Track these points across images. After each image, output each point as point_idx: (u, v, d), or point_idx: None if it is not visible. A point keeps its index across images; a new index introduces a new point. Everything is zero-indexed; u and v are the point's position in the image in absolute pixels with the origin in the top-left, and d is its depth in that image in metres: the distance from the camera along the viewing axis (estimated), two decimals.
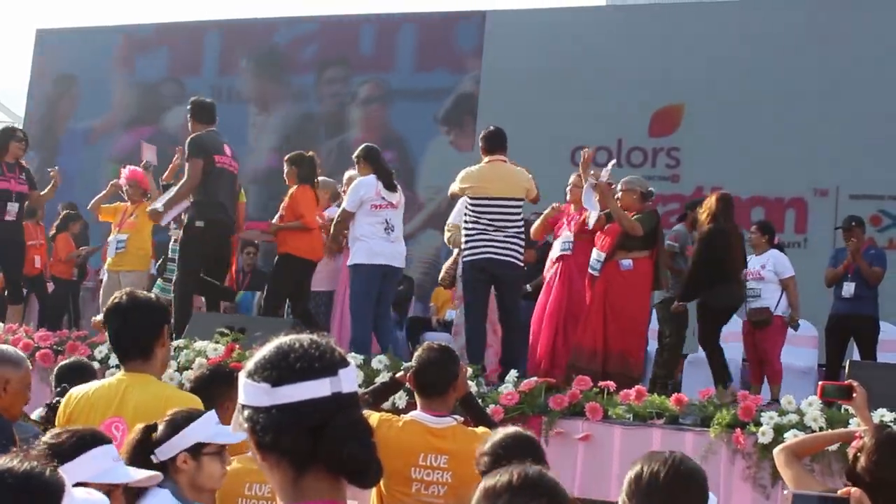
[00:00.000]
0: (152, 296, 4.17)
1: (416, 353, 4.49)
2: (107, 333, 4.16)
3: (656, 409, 6.78)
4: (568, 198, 8.97)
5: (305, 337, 1.99)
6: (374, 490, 4.28)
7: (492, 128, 8.58)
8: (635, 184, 8.71)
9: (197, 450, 3.56)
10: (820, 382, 4.60)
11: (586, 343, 8.18)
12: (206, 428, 3.58)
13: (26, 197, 10.12)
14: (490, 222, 8.21)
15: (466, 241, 8.32)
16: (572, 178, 8.95)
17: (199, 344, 8.04)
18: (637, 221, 8.33)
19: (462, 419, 4.50)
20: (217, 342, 8.04)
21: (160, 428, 3.54)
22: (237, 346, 7.93)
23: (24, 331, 9.05)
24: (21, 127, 12.29)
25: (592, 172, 8.52)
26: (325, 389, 1.91)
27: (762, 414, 6.43)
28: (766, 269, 9.08)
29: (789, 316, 9.01)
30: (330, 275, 9.70)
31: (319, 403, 1.90)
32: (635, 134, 13.33)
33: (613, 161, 9.64)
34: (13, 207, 9.93)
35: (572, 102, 13.43)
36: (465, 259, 8.40)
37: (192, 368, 7.68)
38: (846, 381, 4.52)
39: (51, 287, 12.14)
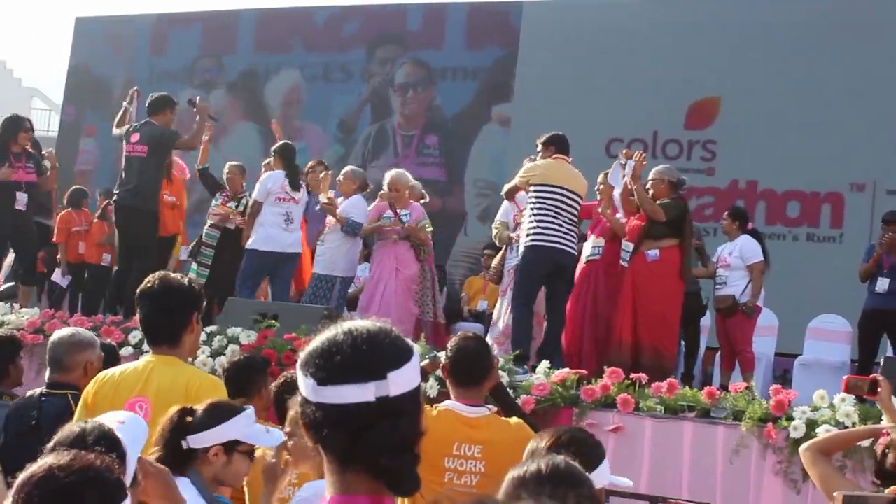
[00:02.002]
0: (185, 281, 4.16)
1: (450, 343, 4.49)
2: (138, 317, 4.18)
3: (688, 403, 6.76)
4: (598, 197, 8.97)
5: (361, 331, 1.93)
6: None
7: (560, 133, 8.70)
8: (665, 173, 8.68)
9: (231, 445, 3.56)
10: (844, 377, 4.58)
11: (616, 335, 8.18)
12: (246, 426, 3.57)
13: (35, 185, 10.21)
14: (556, 210, 8.27)
15: (532, 228, 8.31)
16: (601, 178, 8.93)
17: (233, 330, 8.09)
18: (661, 207, 8.31)
19: (496, 409, 4.52)
20: (251, 329, 8.09)
21: (198, 414, 3.54)
22: (270, 332, 7.98)
23: (59, 316, 9.15)
24: (59, 117, 12.39)
25: (624, 152, 8.62)
26: (370, 395, 1.87)
27: (794, 409, 6.40)
28: (733, 256, 9.04)
29: (748, 302, 8.93)
30: (348, 261, 9.77)
31: (362, 408, 1.87)
32: (671, 126, 13.29)
33: (641, 150, 9.61)
34: (23, 197, 10.02)
35: (608, 94, 13.41)
36: (529, 244, 8.32)
37: (224, 354, 7.74)
38: (871, 376, 4.50)
39: (67, 280, 12.31)
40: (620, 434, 6.77)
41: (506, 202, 9.47)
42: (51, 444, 2.87)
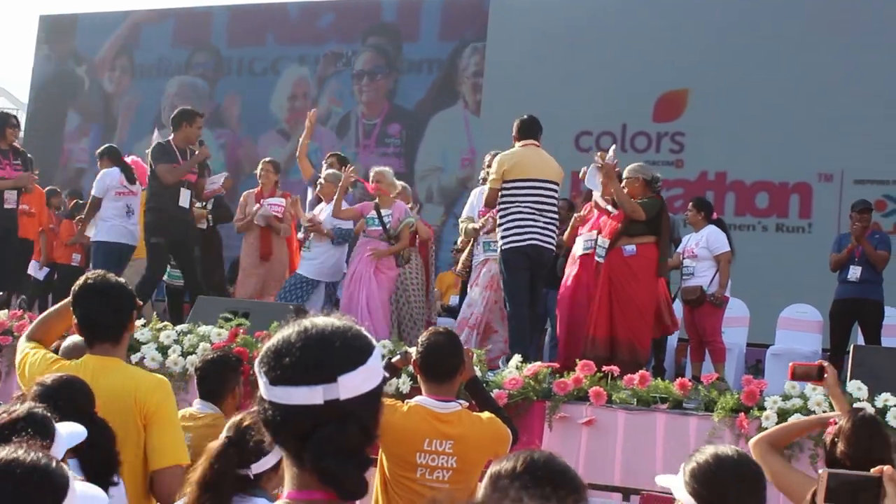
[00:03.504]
0: (122, 280, 4.08)
1: (421, 338, 4.46)
2: (74, 316, 4.03)
3: (660, 394, 6.77)
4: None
5: (314, 331, 1.91)
6: (378, 475, 4.28)
7: (526, 116, 8.57)
8: (639, 171, 8.66)
9: None
10: (790, 363, 4.58)
11: (592, 330, 8.17)
12: None
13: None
14: (531, 205, 8.17)
15: (507, 227, 8.21)
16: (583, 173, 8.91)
17: (203, 328, 8.04)
18: (640, 206, 8.31)
19: (467, 404, 4.50)
20: (221, 327, 8.04)
21: (242, 442, 3.39)
22: (241, 330, 7.93)
23: (28, 317, 9.06)
24: (25, 113, 12.34)
25: (599, 154, 8.55)
26: (318, 398, 1.84)
27: (766, 398, 6.43)
28: (700, 247, 9.07)
29: (715, 293, 8.96)
30: (336, 267, 9.77)
31: (309, 410, 1.85)
32: (639, 119, 13.33)
33: (615, 146, 9.61)
34: (11, 195, 9.97)
35: (576, 87, 13.43)
36: (507, 245, 8.21)
37: (195, 353, 7.69)
38: (818, 362, 4.50)
39: (44, 273, 12.23)
40: (593, 427, 6.77)
41: (471, 197, 9.42)
42: None
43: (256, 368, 1.93)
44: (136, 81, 16.81)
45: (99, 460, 3.45)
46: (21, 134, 11.48)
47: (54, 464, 2.13)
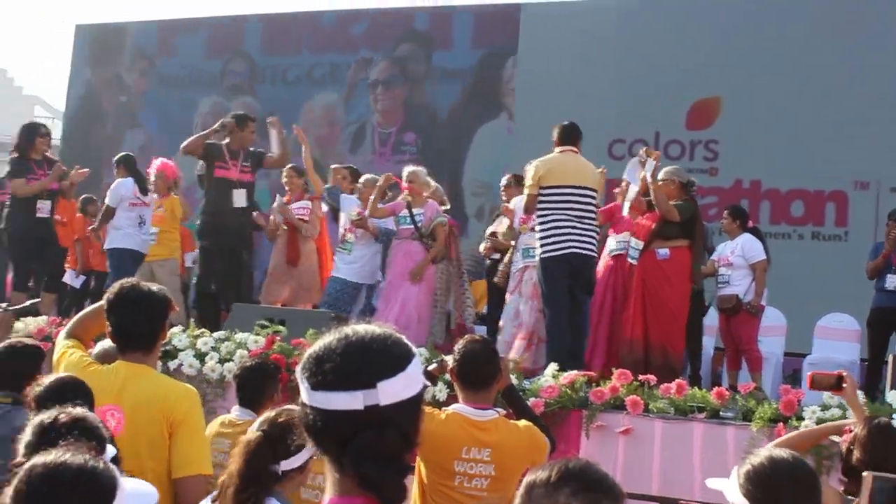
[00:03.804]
0: (156, 287, 4.08)
1: (457, 346, 4.47)
2: (108, 323, 4.03)
3: (697, 404, 6.74)
4: (618, 199, 8.94)
5: (355, 337, 1.93)
6: (416, 482, 4.29)
7: (566, 122, 8.47)
8: (674, 174, 8.65)
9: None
10: (809, 373, 4.54)
11: (626, 333, 8.16)
12: None
13: (57, 193, 10.26)
14: (569, 213, 8.06)
15: (546, 235, 8.12)
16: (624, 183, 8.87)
17: (240, 336, 8.08)
18: (675, 208, 8.29)
19: (504, 412, 4.50)
20: (257, 334, 8.08)
21: (277, 437, 3.48)
22: (277, 338, 7.96)
23: (66, 323, 9.15)
24: (62, 122, 12.46)
25: (644, 149, 8.54)
26: (358, 403, 1.86)
27: (805, 408, 6.38)
28: (735, 255, 9.02)
29: (752, 301, 8.91)
30: (375, 268, 9.80)
31: (350, 416, 1.87)
32: (672, 126, 13.26)
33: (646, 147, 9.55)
34: (44, 205, 10.08)
35: (609, 95, 13.39)
36: (546, 254, 8.12)
37: (233, 360, 7.73)
38: (837, 371, 4.47)
39: (80, 281, 12.34)
40: (630, 436, 6.74)
41: (512, 202, 9.41)
42: (29, 430, 2.88)
43: (298, 374, 1.96)
44: (167, 90, 16.84)
45: None
46: (57, 143, 11.64)
47: (102, 465, 2.17)
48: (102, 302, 4.10)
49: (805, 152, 12.39)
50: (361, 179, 10.12)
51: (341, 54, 15.70)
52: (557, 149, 8.35)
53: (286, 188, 10.65)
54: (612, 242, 8.72)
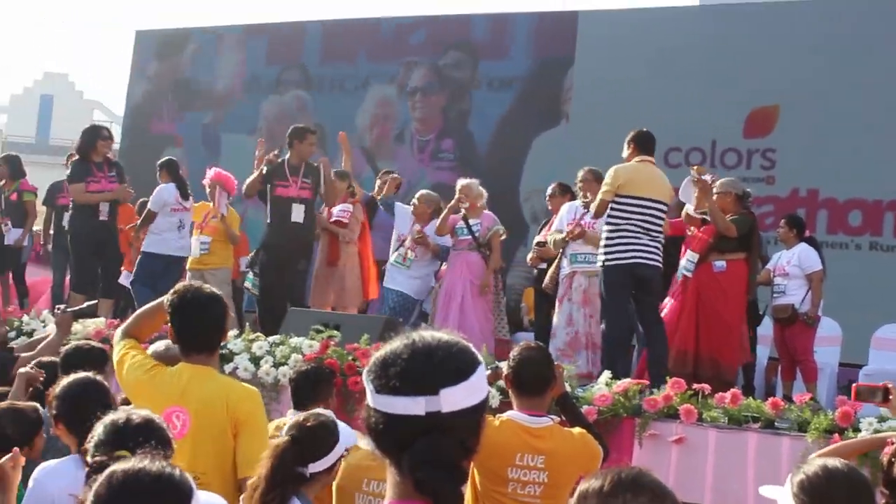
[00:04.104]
0: (217, 291, 4.18)
1: (513, 353, 4.49)
2: (171, 325, 4.11)
3: (752, 413, 6.69)
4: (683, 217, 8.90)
5: (422, 344, 1.96)
6: (469, 489, 4.31)
7: (643, 129, 8.34)
8: (730, 186, 8.60)
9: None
10: (854, 384, 4.50)
11: (677, 345, 8.11)
12: (350, 434, 3.63)
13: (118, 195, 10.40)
14: (639, 225, 7.93)
15: (612, 243, 8.00)
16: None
17: (295, 340, 8.15)
18: (732, 223, 8.24)
19: (558, 419, 4.51)
20: (312, 339, 8.14)
21: (304, 440, 3.58)
22: (332, 342, 8.02)
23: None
24: (121, 128, 12.62)
25: (696, 168, 8.48)
26: (419, 409, 1.89)
27: (861, 420, 6.32)
28: (791, 265, 8.95)
29: (808, 312, 8.81)
30: (428, 285, 9.92)
31: (411, 420, 1.90)
32: (730, 135, 13.16)
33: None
34: (104, 207, 10.20)
35: (665, 103, 13.32)
36: (609, 263, 8.01)
37: (287, 364, 7.80)
38: (883, 383, 4.42)
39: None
40: (683, 445, 6.71)
41: (561, 211, 9.40)
42: (101, 429, 2.97)
43: (364, 377, 1.99)
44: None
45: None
46: (116, 146, 11.79)
47: (178, 473, 2.23)
48: (157, 301, 4.19)
49: (864, 161, 12.25)
50: (417, 196, 10.18)
51: (398, 63, 15.75)
52: (637, 158, 8.14)
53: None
54: (683, 262, 8.59)
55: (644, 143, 8.21)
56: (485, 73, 15.16)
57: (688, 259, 8.34)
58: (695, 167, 8.48)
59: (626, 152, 8.23)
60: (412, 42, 15.80)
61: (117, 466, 2.26)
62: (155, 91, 17.57)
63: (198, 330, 4.04)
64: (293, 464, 3.51)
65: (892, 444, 4.02)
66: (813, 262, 8.96)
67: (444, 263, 9.84)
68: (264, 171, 9.92)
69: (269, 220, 10.06)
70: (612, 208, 8.04)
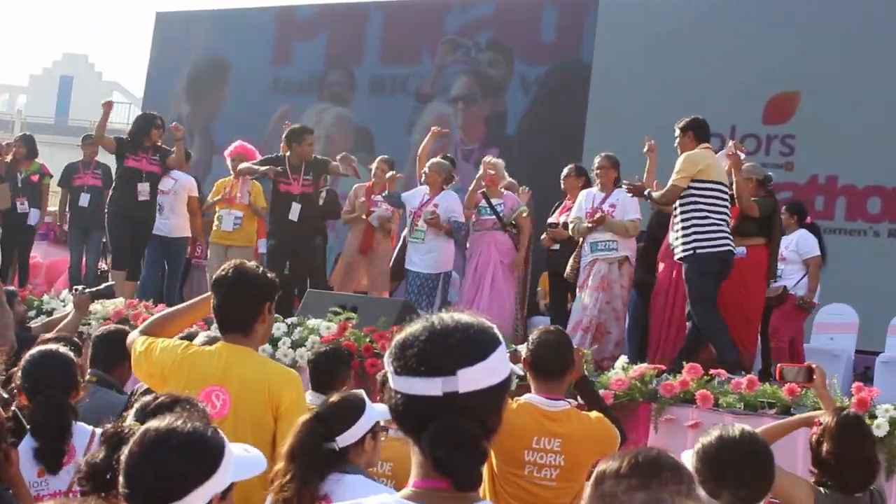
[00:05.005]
0: (260, 270, 4.10)
1: (532, 336, 4.50)
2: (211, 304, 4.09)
3: (768, 399, 6.69)
4: None
5: (440, 325, 1.98)
6: (486, 470, 4.33)
7: (699, 117, 8.17)
8: (752, 171, 8.56)
9: (373, 430, 3.65)
10: (778, 365, 4.52)
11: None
12: (378, 407, 3.62)
13: (158, 177, 10.43)
14: (723, 211, 7.80)
15: (702, 230, 7.76)
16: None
17: (313, 322, 8.18)
18: (756, 203, 8.21)
19: (576, 403, 4.53)
20: (330, 321, 8.17)
21: (328, 415, 3.57)
22: (350, 324, 8.05)
23: (143, 306, 9.31)
24: (140, 110, 12.67)
25: (733, 143, 8.46)
26: (436, 389, 1.91)
27: (877, 407, 6.32)
28: (790, 250, 8.94)
29: (804, 296, 8.80)
30: (448, 257, 9.83)
31: (429, 401, 1.92)
32: (749, 121, 13.13)
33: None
34: (144, 187, 10.22)
35: (684, 89, 13.29)
36: (705, 250, 7.73)
37: (305, 346, 7.84)
38: (806, 363, 4.44)
39: None
40: (699, 430, 6.71)
41: (579, 197, 9.29)
42: (136, 408, 3.02)
43: (385, 359, 2.02)
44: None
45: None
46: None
47: (210, 431, 2.29)
48: (181, 306, 4.20)
49: (882, 148, 12.20)
50: (427, 164, 10.04)
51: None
52: (702, 145, 7.99)
53: (372, 177, 10.53)
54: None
55: (704, 131, 8.09)
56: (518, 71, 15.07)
57: None
58: (732, 142, 8.48)
59: (680, 139, 8.10)
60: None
61: (151, 424, 2.33)
62: (174, 73, 17.59)
63: (231, 308, 4.01)
64: (316, 440, 3.52)
65: (820, 424, 4.06)
66: (811, 248, 8.96)
67: (455, 242, 9.80)
68: (265, 171, 10.06)
69: (272, 212, 10.33)
70: (691, 194, 7.81)
